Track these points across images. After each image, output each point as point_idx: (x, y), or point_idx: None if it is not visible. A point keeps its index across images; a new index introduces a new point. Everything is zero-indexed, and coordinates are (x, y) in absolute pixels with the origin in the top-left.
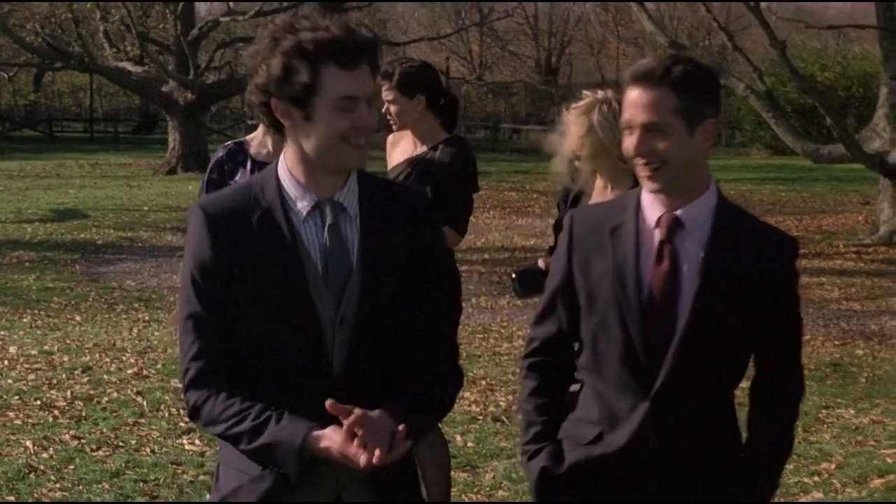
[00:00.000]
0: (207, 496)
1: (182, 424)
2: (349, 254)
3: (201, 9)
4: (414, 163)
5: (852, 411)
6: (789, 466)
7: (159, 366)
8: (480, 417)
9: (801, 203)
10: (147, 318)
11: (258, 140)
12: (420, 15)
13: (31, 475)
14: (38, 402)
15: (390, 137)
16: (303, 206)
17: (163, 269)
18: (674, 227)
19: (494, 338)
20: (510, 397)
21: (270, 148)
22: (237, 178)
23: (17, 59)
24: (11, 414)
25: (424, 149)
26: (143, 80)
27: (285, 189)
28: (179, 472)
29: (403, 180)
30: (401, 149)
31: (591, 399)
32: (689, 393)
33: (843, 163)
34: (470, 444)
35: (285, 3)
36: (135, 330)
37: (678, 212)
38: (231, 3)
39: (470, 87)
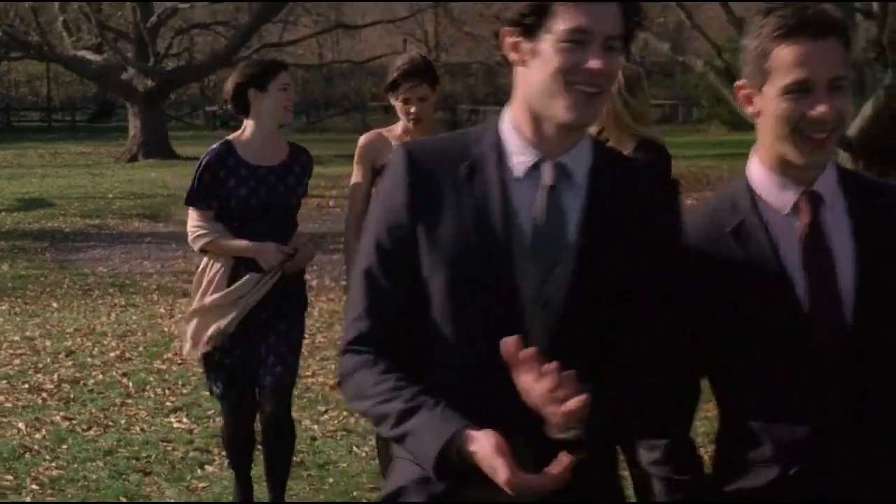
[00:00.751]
0: (199, 472)
1: (168, 404)
2: (566, 226)
3: None
4: None
5: None
6: None
7: (141, 349)
8: None
9: None
10: (123, 303)
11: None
12: None
13: (27, 455)
14: (27, 386)
15: (369, 142)
16: (520, 161)
17: (133, 256)
18: (817, 205)
19: None
20: None
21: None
22: (231, 184)
23: None
24: (1, 397)
25: None
26: (103, 69)
27: (504, 141)
28: (170, 449)
29: None
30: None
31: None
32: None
33: None
34: None
35: None
36: (112, 315)
37: (816, 186)
38: None
39: None
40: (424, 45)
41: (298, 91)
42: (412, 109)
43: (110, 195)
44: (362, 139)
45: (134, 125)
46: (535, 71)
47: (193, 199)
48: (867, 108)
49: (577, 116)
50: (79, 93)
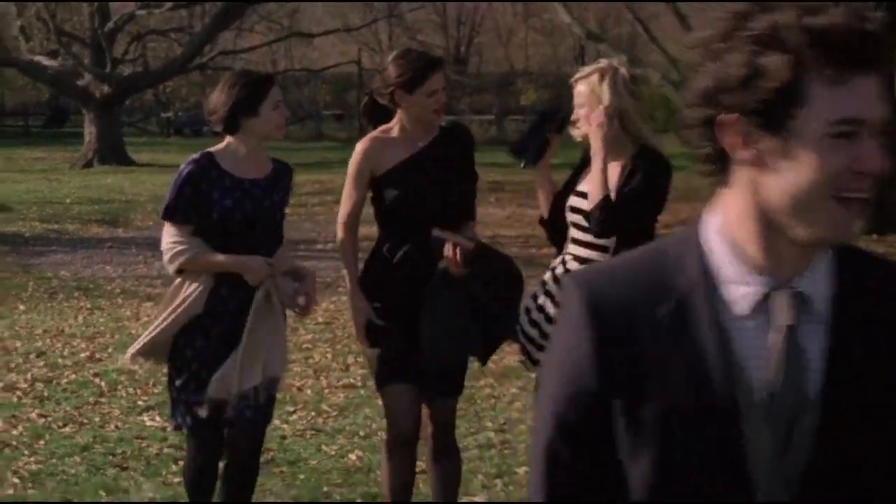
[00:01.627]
0: (174, 467)
1: (140, 403)
2: (807, 376)
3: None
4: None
5: None
6: None
7: (110, 350)
8: None
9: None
10: (90, 306)
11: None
12: (330, 6)
13: (6, 450)
14: (1, 384)
15: (368, 149)
16: (742, 293)
17: (94, 261)
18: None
19: None
20: None
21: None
22: (215, 196)
23: None
24: None
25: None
26: (59, 74)
27: (713, 265)
28: (144, 445)
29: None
30: (401, 149)
31: None
32: None
33: None
34: None
35: None
36: (80, 317)
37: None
38: None
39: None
40: (378, 53)
41: None
42: (443, 99)
43: (68, 200)
44: (359, 146)
45: (89, 131)
46: (782, 174)
47: (171, 213)
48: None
49: (842, 233)
50: (31, 98)
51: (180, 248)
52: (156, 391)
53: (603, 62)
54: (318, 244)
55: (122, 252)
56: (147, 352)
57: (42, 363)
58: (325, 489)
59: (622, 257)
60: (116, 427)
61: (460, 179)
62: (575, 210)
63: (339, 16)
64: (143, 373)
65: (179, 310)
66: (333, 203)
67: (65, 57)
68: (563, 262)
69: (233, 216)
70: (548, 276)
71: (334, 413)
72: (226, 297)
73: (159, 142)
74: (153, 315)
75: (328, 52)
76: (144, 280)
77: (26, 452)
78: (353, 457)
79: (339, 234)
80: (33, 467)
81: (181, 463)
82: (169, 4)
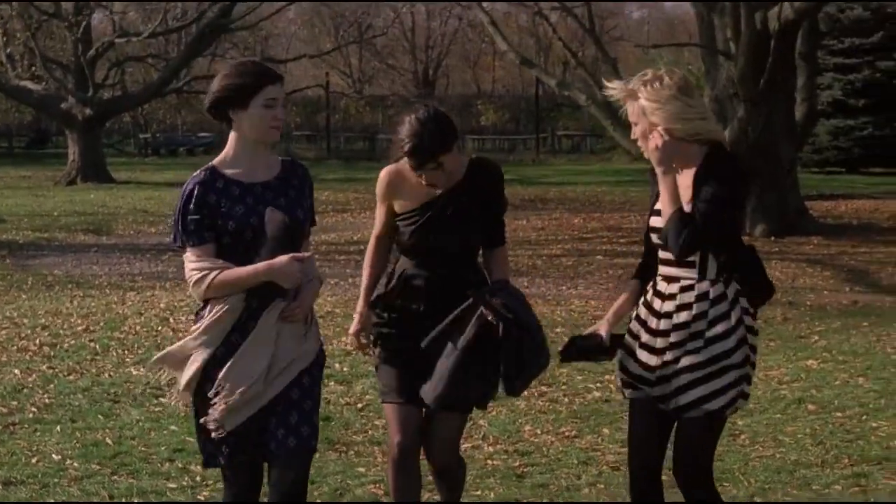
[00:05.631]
0: (155, 402)
1: (128, 360)
2: None
3: (96, 30)
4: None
5: None
6: None
7: (102, 324)
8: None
9: (647, 201)
10: (82, 294)
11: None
12: (301, 32)
13: (24, 390)
14: (15, 347)
15: (395, 175)
16: None
17: (83, 262)
18: None
19: None
20: None
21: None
22: (224, 207)
23: None
24: None
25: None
26: (44, 98)
27: None
28: (132, 387)
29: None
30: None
31: None
32: None
33: None
34: (346, 369)
35: (175, 24)
36: (75, 301)
37: None
38: (122, 25)
39: (349, 100)
40: (349, 76)
41: None
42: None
43: (55, 213)
44: (382, 174)
45: (73, 151)
46: None
47: (186, 236)
48: (726, 137)
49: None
50: (14, 120)
51: (204, 271)
52: (140, 352)
53: (648, 73)
54: None
55: (107, 255)
56: (164, 360)
57: (46, 333)
58: None
59: None
60: (109, 376)
61: (484, 215)
62: (654, 230)
63: (310, 41)
64: (131, 337)
65: (203, 325)
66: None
67: (49, 82)
68: (654, 284)
69: (248, 223)
70: (641, 300)
71: None
72: (257, 311)
73: (137, 161)
74: (138, 301)
75: (300, 77)
76: (128, 276)
77: (40, 392)
78: None
79: (369, 245)
80: (47, 401)
81: (161, 399)
82: (146, 32)
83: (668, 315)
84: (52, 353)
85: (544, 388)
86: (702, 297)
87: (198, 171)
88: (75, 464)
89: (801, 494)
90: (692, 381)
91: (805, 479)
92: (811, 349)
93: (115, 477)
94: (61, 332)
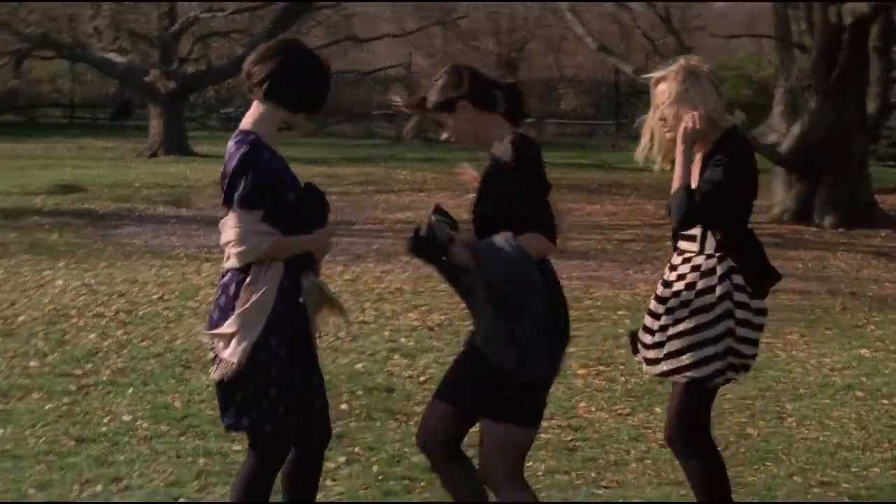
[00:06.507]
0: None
1: (199, 328)
2: None
3: (180, 5)
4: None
5: None
6: None
7: (177, 292)
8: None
9: None
10: (159, 264)
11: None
12: (385, 12)
13: (99, 354)
14: (91, 314)
15: None
16: None
17: (161, 233)
18: None
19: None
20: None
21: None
22: (288, 178)
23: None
24: (74, 320)
25: None
26: (127, 70)
27: None
28: (202, 354)
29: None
30: None
31: None
32: None
33: None
34: (411, 343)
35: (259, 1)
36: (152, 271)
37: None
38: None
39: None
40: (432, 58)
41: None
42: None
43: (136, 184)
44: None
45: (155, 124)
46: None
47: (246, 198)
48: (796, 129)
49: None
50: (99, 92)
51: (258, 237)
52: None
53: (682, 60)
54: (356, 225)
55: (185, 227)
56: (215, 335)
57: (122, 300)
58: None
59: None
60: (181, 343)
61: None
62: None
63: (394, 20)
64: (204, 307)
65: (253, 299)
66: (375, 192)
67: (133, 55)
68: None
69: (299, 192)
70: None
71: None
72: (296, 280)
73: (219, 136)
74: (213, 272)
75: (383, 55)
76: (204, 248)
77: (114, 356)
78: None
79: None
80: (120, 365)
81: None
82: (231, 7)
83: (669, 284)
84: (128, 320)
85: (602, 368)
86: (695, 268)
87: (240, 137)
88: (145, 424)
89: (839, 475)
90: (680, 349)
91: (845, 461)
92: (866, 338)
93: (183, 438)
94: (137, 299)
